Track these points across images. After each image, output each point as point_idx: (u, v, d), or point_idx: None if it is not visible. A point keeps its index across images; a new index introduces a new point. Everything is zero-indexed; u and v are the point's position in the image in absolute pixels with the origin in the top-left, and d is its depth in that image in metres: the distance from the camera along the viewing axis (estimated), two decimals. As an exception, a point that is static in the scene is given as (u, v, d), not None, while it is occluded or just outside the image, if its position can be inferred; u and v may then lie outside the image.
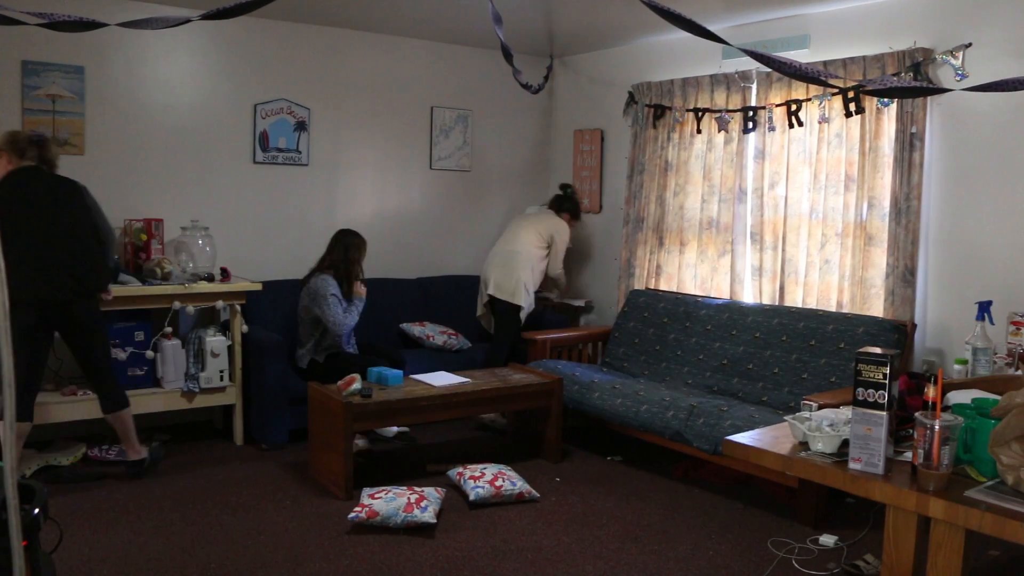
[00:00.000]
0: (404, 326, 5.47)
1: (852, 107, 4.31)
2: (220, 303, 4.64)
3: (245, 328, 4.70)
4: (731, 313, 4.70)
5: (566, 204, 5.69)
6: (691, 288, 5.29)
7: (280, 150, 5.30)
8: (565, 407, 4.59)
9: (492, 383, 4.39)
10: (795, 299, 4.69)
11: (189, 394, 4.60)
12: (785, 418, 2.36)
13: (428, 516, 3.55)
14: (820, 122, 4.48)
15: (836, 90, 4.16)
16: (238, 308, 4.68)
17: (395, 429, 4.82)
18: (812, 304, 4.57)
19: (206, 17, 2.66)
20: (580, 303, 5.99)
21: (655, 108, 5.38)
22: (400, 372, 4.35)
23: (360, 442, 4.58)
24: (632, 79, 5.62)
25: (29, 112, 4.50)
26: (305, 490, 4.05)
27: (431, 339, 5.35)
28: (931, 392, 1.96)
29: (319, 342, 4.77)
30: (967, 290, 3.99)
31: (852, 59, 4.28)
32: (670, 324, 4.96)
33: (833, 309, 4.45)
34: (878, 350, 1.99)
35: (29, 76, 4.49)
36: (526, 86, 4.78)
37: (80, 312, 3.89)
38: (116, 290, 4.26)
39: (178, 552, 3.32)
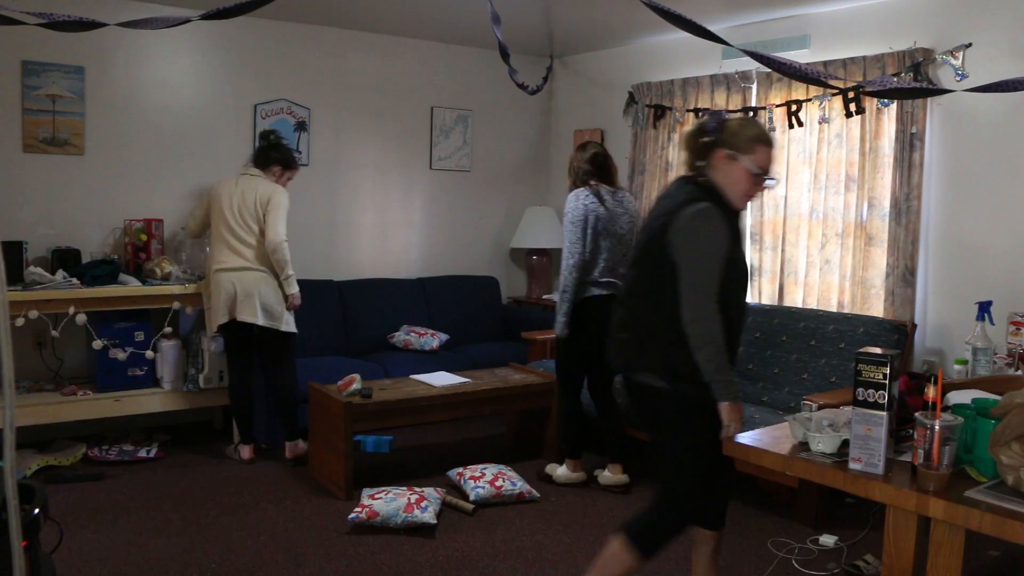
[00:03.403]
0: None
1: (852, 107, 4.31)
2: (220, 303, 4.63)
3: (245, 328, 4.69)
4: (731, 313, 4.69)
5: (274, 155, 4.43)
6: (691, 288, 5.27)
7: (280, 150, 5.28)
8: (565, 407, 4.59)
9: (492, 383, 4.39)
10: (795, 299, 4.68)
11: (189, 394, 4.60)
12: (785, 418, 2.35)
13: (428, 516, 3.55)
14: (820, 122, 4.48)
15: (836, 90, 4.16)
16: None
17: None
18: (812, 304, 4.57)
19: (206, 17, 2.66)
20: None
21: (655, 108, 5.38)
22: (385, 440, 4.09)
23: None
24: (632, 79, 5.62)
25: (29, 112, 4.50)
26: (305, 490, 4.04)
27: (409, 346, 5.23)
28: (931, 392, 1.95)
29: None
30: (967, 290, 3.98)
31: (852, 59, 4.28)
32: (670, 324, 4.94)
33: (833, 309, 4.45)
34: (878, 350, 1.99)
35: (29, 76, 4.48)
36: (523, 86, 4.77)
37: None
38: (114, 290, 4.29)
39: (178, 552, 3.32)
